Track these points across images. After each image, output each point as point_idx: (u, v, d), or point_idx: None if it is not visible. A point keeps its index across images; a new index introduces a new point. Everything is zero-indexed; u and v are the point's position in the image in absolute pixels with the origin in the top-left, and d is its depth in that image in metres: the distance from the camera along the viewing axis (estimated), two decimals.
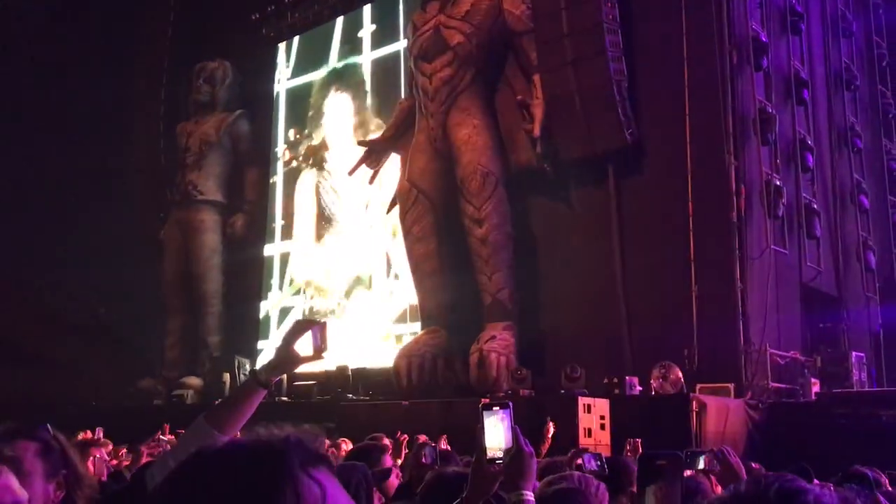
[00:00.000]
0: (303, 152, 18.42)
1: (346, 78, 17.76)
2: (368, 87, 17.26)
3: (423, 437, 6.83)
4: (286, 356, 2.29)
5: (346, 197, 17.29)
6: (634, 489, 2.30)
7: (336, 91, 17.89)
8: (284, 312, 17.51)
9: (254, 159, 18.82)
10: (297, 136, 18.66)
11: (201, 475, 1.01)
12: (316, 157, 18.11)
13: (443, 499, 2.51)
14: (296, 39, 19.05)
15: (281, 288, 18.05)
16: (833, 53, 15.29)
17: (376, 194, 16.05)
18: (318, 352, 2.32)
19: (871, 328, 14.48)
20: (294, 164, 18.54)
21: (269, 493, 0.95)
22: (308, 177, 18.18)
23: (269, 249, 18.35)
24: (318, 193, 17.85)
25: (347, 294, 16.45)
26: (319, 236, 17.59)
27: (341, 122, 17.73)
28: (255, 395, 2.25)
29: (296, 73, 19.01)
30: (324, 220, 17.59)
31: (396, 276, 15.61)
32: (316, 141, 18.16)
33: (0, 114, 18.29)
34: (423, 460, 4.45)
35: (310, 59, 18.68)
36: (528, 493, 2.15)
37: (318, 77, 18.33)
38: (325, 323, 2.33)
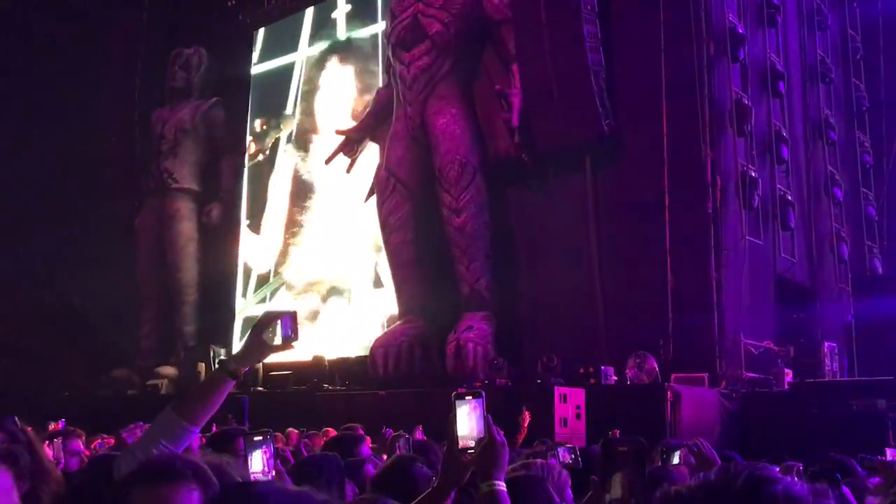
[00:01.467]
0: (269, 144, 18.12)
1: (352, 50, 17.20)
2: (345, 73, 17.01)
3: (418, 431, 6.80)
4: (256, 346, 2.28)
5: (326, 184, 16.94)
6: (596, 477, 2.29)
7: (341, 63, 17.32)
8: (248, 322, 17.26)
9: (229, 147, 18.64)
10: (264, 127, 18.40)
11: None
12: (300, 140, 17.76)
13: (399, 484, 2.51)
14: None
15: (244, 295, 17.69)
16: (809, 46, 15.38)
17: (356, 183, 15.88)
18: (288, 341, 2.31)
19: (844, 319, 14.63)
20: (260, 157, 18.24)
21: None
22: (286, 161, 17.88)
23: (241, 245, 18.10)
24: (295, 179, 17.65)
25: (324, 299, 16.26)
26: (292, 232, 17.30)
27: (340, 98, 17.18)
28: (223, 386, 2.23)
29: (262, 58, 18.72)
30: (297, 207, 17.32)
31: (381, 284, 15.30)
32: (304, 121, 17.73)
33: None
34: (398, 452, 4.45)
35: (277, 44, 18.32)
36: (500, 482, 2.14)
37: (308, 55, 17.87)
38: (294, 312, 2.32)
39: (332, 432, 7.80)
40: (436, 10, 13.32)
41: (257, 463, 2.46)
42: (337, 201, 16.30)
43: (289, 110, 18.06)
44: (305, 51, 17.97)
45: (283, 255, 17.20)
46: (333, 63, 17.37)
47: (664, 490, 1.37)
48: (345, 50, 17.18)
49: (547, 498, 2.57)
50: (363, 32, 16.97)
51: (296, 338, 2.33)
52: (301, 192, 17.29)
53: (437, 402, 9.57)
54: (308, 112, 17.76)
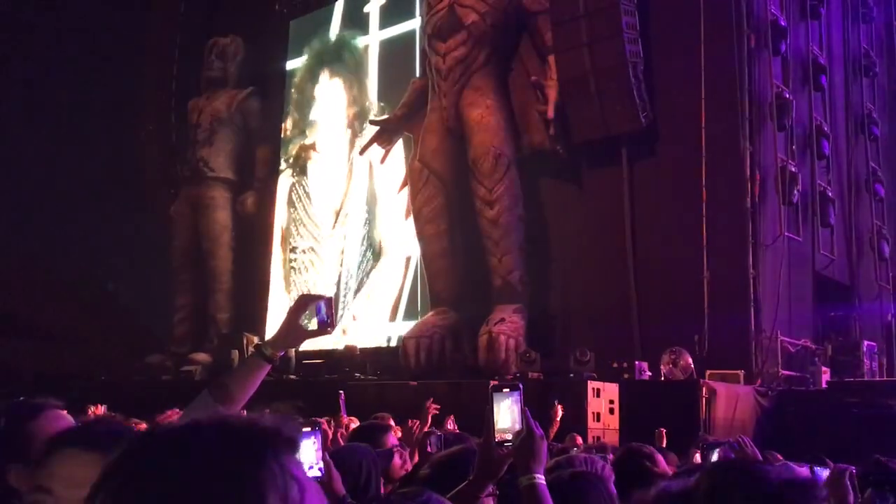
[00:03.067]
0: (293, 153, 18.13)
1: (342, 60, 17.23)
2: (375, 68, 16.99)
3: (450, 421, 6.73)
4: (292, 330, 2.25)
5: (322, 206, 17.00)
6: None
7: (330, 77, 17.44)
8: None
9: (264, 137, 18.74)
10: (286, 134, 18.43)
11: (158, 451, 0.86)
12: (299, 160, 17.87)
13: (450, 480, 2.47)
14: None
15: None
16: (852, 39, 15.09)
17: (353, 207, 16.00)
18: (324, 326, 2.28)
19: (883, 318, 14.38)
20: (283, 166, 18.31)
21: (243, 486, 0.82)
22: (283, 182, 18.05)
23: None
24: (290, 201, 17.72)
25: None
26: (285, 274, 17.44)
27: (335, 112, 17.28)
28: (260, 370, 2.21)
29: (292, 54, 18.68)
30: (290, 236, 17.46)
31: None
32: (308, 138, 17.85)
33: (13, 92, 18.29)
34: (429, 449, 4.40)
35: (306, 39, 18.24)
36: (539, 475, 2.10)
37: (307, 58, 17.90)
38: (331, 298, 2.29)
39: (355, 421, 7.80)
40: (472, 1, 13.23)
41: (308, 455, 2.43)
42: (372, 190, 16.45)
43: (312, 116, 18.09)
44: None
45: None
46: (325, 74, 17.52)
47: (659, 487, 1.36)
48: (334, 60, 17.27)
49: (608, 497, 2.52)
50: (358, 41, 17.05)
51: (332, 323, 2.30)
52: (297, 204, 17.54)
53: (469, 393, 9.57)
54: (300, 125, 17.95)
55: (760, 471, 1.43)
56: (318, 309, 2.28)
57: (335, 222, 16.70)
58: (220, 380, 2.23)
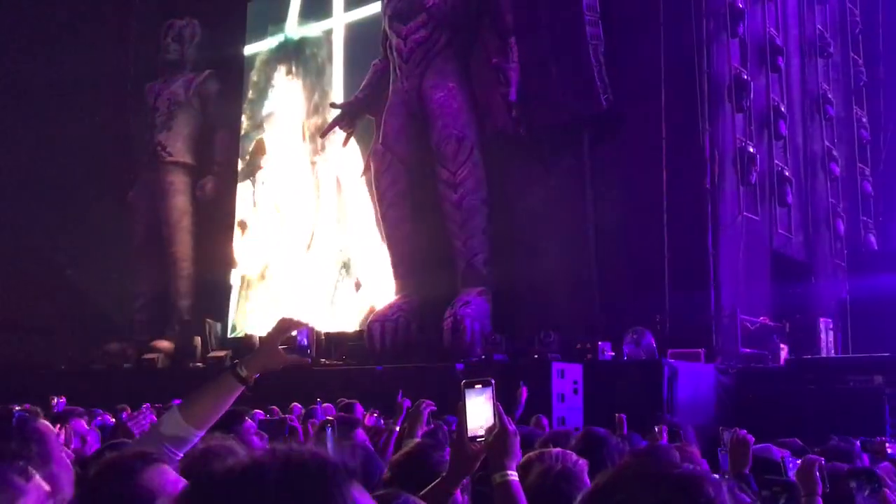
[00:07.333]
0: (251, 149, 17.88)
1: (302, 55, 16.92)
2: (340, 54, 16.77)
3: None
4: (269, 354, 2.22)
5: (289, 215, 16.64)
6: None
7: (288, 76, 17.18)
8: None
9: (223, 121, 18.49)
10: (243, 129, 18.19)
11: (227, 498, 0.87)
12: (250, 165, 17.65)
13: (413, 479, 2.48)
14: None
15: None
16: (808, 20, 15.28)
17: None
18: (304, 353, 2.26)
19: (839, 295, 14.68)
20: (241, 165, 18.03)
21: None
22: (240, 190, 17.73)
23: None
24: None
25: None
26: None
27: (291, 114, 16.99)
28: (232, 392, 2.19)
29: (250, 38, 18.32)
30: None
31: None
32: (253, 138, 17.60)
33: None
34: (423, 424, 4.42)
35: (264, 22, 17.97)
36: (512, 472, 2.12)
37: (266, 48, 17.63)
38: (312, 327, 2.27)
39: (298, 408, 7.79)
40: None
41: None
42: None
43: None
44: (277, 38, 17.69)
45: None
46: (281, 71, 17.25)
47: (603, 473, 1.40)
48: (294, 57, 16.98)
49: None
50: (316, 31, 16.79)
51: (312, 352, 2.29)
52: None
53: (435, 377, 9.60)
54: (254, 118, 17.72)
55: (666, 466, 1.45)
56: (298, 336, 2.27)
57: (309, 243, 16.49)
58: (191, 398, 2.19)
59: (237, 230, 17.67)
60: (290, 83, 17.29)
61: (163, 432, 2.15)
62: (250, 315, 17.07)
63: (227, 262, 17.74)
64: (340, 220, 15.92)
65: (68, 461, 2.28)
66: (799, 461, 3.09)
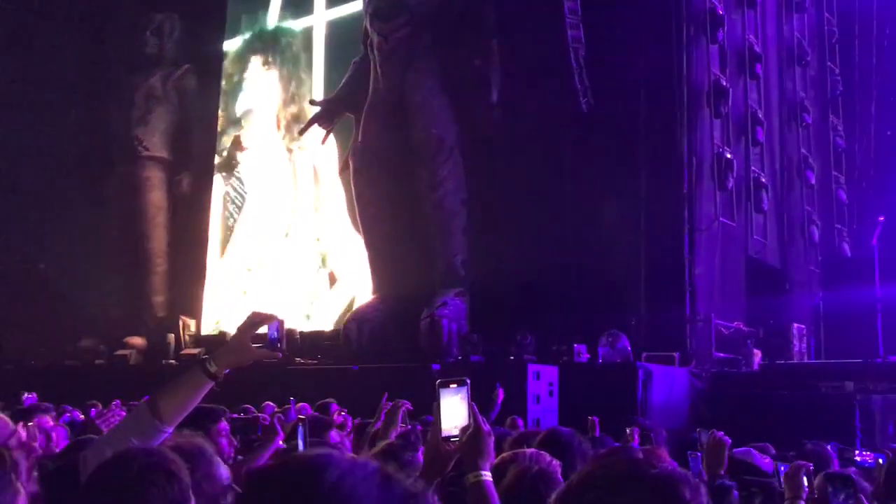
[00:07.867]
0: (228, 145, 17.75)
1: (278, 45, 16.81)
2: (321, 52, 16.67)
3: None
4: (239, 349, 2.20)
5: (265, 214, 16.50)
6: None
7: (264, 66, 17.02)
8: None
9: (201, 116, 18.31)
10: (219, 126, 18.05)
11: None
12: (225, 160, 17.50)
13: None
14: None
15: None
16: (786, 28, 15.42)
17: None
18: (275, 348, 2.24)
19: (813, 301, 14.82)
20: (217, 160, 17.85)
21: None
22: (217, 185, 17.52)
23: None
24: (225, 210, 17.32)
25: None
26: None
27: (267, 106, 16.86)
28: (201, 388, 2.16)
29: (229, 33, 18.17)
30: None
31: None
32: (242, 129, 17.43)
33: None
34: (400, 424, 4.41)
35: (243, 17, 17.84)
36: (486, 472, 2.11)
37: (240, 42, 17.50)
38: (282, 320, 2.25)
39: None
40: None
41: None
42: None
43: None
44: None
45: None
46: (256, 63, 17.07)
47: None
48: (271, 47, 16.83)
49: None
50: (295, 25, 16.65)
51: (283, 346, 2.26)
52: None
53: (411, 377, 9.57)
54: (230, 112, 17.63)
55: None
56: (269, 330, 2.24)
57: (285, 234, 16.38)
58: (159, 394, 2.17)
59: (213, 225, 17.54)
60: (267, 73, 17.18)
61: (130, 426, 2.13)
62: (227, 310, 16.95)
63: (203, 259, 17.58)
64: (318, 210, 15.86)
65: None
66: (787, 466, 3.17)
